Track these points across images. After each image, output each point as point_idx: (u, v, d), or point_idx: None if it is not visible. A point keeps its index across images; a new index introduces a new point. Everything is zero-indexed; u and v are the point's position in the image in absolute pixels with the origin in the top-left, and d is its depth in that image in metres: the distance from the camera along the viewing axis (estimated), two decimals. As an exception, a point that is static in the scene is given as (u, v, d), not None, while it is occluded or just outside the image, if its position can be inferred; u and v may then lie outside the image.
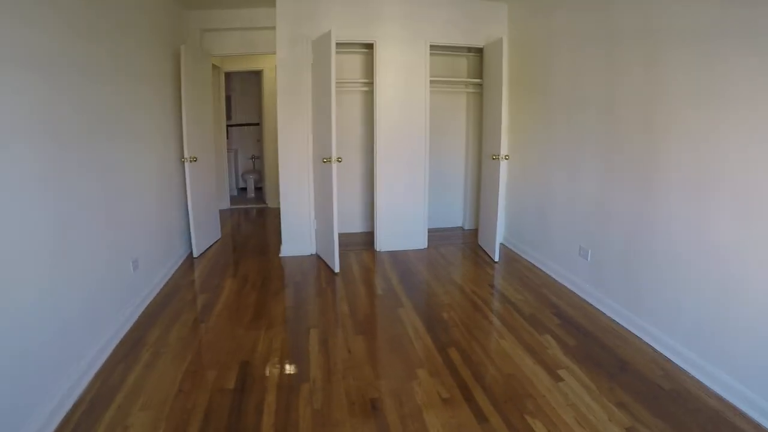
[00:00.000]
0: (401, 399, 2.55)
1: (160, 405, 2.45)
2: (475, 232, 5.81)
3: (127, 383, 2.65)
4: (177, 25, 4.95)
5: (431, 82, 5.27)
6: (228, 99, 8.60)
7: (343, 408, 2.47)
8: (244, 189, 8.96)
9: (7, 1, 2.14)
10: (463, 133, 5.98)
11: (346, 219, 5.91)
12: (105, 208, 3.14)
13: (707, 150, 2.62)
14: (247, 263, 4.90)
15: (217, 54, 5.64)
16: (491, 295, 3.97)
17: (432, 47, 5.07)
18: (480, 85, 5.43)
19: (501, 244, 5.42)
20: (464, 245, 5.45)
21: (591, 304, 3.71)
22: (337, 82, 5.28)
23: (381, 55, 4.91)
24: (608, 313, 3.51)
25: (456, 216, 6.22)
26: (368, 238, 5.63)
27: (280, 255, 5.12)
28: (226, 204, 7.80)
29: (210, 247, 5.48)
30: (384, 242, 5.27)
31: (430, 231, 5.62)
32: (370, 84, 5.16)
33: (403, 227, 5.26)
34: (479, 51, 5.34)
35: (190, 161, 4.85)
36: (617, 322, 3.40)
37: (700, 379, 2.68)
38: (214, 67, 6.91)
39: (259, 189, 8.87)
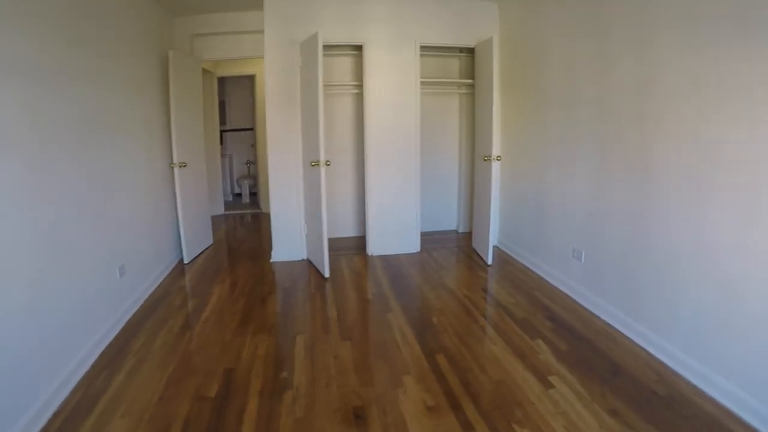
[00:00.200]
0: (385, 407, 2.47)
1: (140, 413, 2.40)
2: (469, 235, 5.73)
3: (110, 390, 2.61)
4: (166, 30, 4.91)
5: (423, 83, 5.22)
6: (222, 104, 8.58)
7: (326, 416, 2.40)
8: (239, 194, 8.88)
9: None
10: (456, 135, 5.90)
11: (339, 223, 5.85)
12: (90, 214, 3.12)
13: (701, 145, 2.53)
14: (238, 269, 4.84)
15: (207, 59, 5.58)
16: (483, 299, 3.88)
17: (423, 48, 5.02)
18: (472, 85, 5.35)
19: (495, 246, 5.33)
20: (458, 248, 5.37)
21: (585, 307, 3.62)
22: (327, 85, 5.27)
23: (370, 57, 4.85)
24: (602, 316, 3.42)
25: (450, 219, 6.14)
26: (361, 242, 5.55)
27: (271, 260, 5.06)
28: (220, 209, 7.75)
29: (201, 253, 5.42)
30: (376, 246, 5.18)
31: (423, 234, 5.55)
32: (362, 86, 5.09)
33: (395, 231, 5.19)
34: (471, 51, 5.27)
35: (180, 167, 4.80)
36: (611, 326, 3.30)
37: (696, 384, 2.59)
38: (207, 72, 6.87)
39: (254, 194, 8.81)
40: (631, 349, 3.00)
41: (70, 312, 2.78)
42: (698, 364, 2.59)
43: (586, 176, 3.61)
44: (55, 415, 2.39)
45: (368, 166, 5.05)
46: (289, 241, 5.06)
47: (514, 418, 2.34)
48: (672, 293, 2.78)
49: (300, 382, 2.70)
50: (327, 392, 2.61)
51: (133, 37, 4.06)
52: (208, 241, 5.74)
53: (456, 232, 6.09)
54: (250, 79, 7.78)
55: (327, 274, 4.45)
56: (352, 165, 5.72)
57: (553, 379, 2.67)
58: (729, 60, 2.33)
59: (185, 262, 4.99)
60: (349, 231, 5.92)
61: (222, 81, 8.12)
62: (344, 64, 5.48)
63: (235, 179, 9.08)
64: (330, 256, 4.95)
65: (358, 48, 5.01)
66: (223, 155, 8.67)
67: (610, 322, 3.33)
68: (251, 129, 8.69)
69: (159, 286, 4.30)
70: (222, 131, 8.67)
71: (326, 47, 4.97)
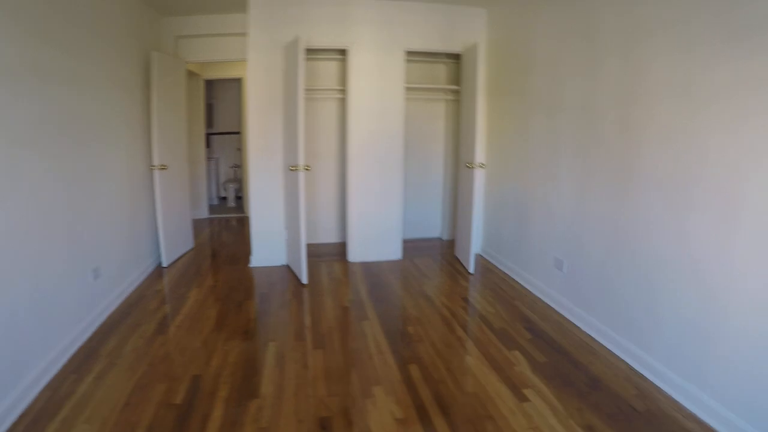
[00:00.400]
0: (352, 419, 2.39)
1: (104, 418, 2.35)
2: (453, 243, 5.65)
3: (76, 395, 2.55)
4: (151, 31, 4.82)
5: (409, 89, 5.16)
6: (210, 107, 8.48)
7: (290, 427, 2.32)
8: (225, 198, 8.77)
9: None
10: (442, 142, 5.83)
11: (321, 229, 5.77)
12: (63, 215, 3.07)
13: (684, 152, 2.46)
14: (216, 273, 4.74)
15: (192, 60, 5.48)
16: (462, 308, 3.79)
17: (409, 54, 4.96)
18: (459, 92, 5.29)
19: (479, 254, 5.26)
20: (440, 256, 5.28)
21: (566, 318, 3.54)
22: (312, 89, 5.21)
23: (354, 62, 4.78)
24: (583, 328, 3.34)
25: (434, 226, 6.05)
26: (342, 248, 5.45)
27: (250, 265, 4.96)
28: (204, 213, 7.63)
29: (181, 256, 5.31)
30: (357, 253, 5.09)
31: (407, 241, 5.48)
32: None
33: (376, 237, 5.10)
34: (458, 57, 5.21)
35: (160, 169, 4.72)
36: (592, 337, 3.22)
37: (677, 399, 2.51)
38: (193, 74, 6.78)
39: (239, 198, 8.70)
40: (611, 361, 2.92)
41: (39, 314, 2.72)
42: (680, 379, 2.51)
43: (568, 184, 3.54)
44: (21, 417, 2.34)
45: (350, 172, 4.97)
46: (269, 246, 4.96)
47: (484, 433, 2.25)
48: (653, 305, 2.70)
49: (267, 391, 2.62)
50: (294, 402, 2.52)
51: (117, 36, 3.99)
52: (189, 244, 5.63)
53: (440, 239, 6.01)
54: (238, 82, 7.69)
55: (305, 281, 4.35)
56: (336, 171, 5.64)
57: (528, 392, 2.58)
58: (715, 63, 2.26)
59: (164, 265, 4.89)
60: (331, 237, 5.82)
61: (210, 84, 8.02)
62: (330, 68, 5.40)
63: (221, 183, 8.97)
64: (310, 261, 4.90)
65: (344, 52, 4.94)
66: (209, 158, 8.56)
67: (591, 333, 3.25)
68: (238, 133, 8.60)
69: (136, 289, 4.22)
70: (209, 134, 8.57)
71: (312, 51, 4.93)
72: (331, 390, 2.64)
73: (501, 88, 4.74)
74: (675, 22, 2.50)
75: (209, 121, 8.50)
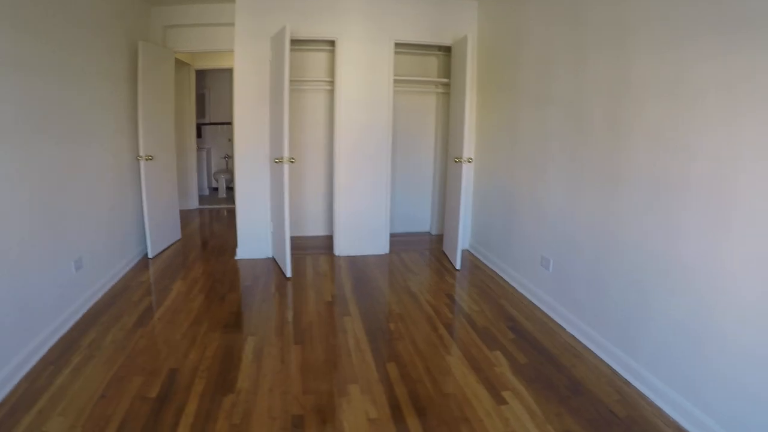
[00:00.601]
0: (325, 417, 2.34)
1: (79, 410, 2.32)
2: (441, 238, 5.57)
3: (54, 386, 2.53)
4: (138, 20, 4.73)
5: (399, 81, 5.09)
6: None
7: (263, 424, 2.27)
8: (217, 189, 8.69)
9: None
10: (432, 135, 5.76)
11: (309, 222, 5.72)
12: (44, 206, 3.04)
13: (674, 148, 2.37)
14: (201, 265, 4.69)
15: (181, 50, 5.40)
16: (446, 305, 3.73)
17: (399, 45, 4.88)
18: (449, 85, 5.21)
19: (467, 250, 5.20)
20: (428, 251, 5.21)
21: (551, 318, 3.48)
22: (301, 81, 5.14)
23: (343, 53, 4.71)
24: (568, 329, 3.28)
25: (424, 221, 5.98)
26: (329, 241, 5.37)
27: (236, 257, 4.90)
28: (194, 204, 7.57)
29: (168, 247, 5.26)
30: (343, 247, 5.03)
31: (395, 236, 5.42)
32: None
33: (363, 231, 5.03)
34: (449, 50, 5.11)
35: (146, 160, 4.65)
36: (577, 339, 3.16)
37: (660, 405, 2.44)
38: (184, 64, 6.71)
39: (231, 189, 8.61)
40: (595, 365, 2.85)
41: (19, 305, 2.71)
42: (663, 385, 2.44)
43: (556, 181, 3.48)
44: None
45: (337, 165, 4.91)
46: (255, 239, 4.90)
47: (458, 436, 2.19)
48: (639, 307, 2.63)
49: (243, 387, 2.58)
50: (269, 398, 2.48)
51: (102, 25, 3.93)
52: (176, 235, 5.57)
53: (429, 234, 5.94)
54: (231, 72, 7.57)
55: (289, 274, 4.29)
56: (324, 163, 5.56)
57: (506, 394, 2.52)
58: (703, 58, 2.18)
59: (150, 256, 4.84)
60: (319, 230, 5.76)
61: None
62: (319, 59, 5.32)
63: (212, 173, 8.88)
64: (296, 255, 4.84)
65: (333, 43, 4.85)
66: (201, 149, 8.48)
67: (576, 335, 3.19)
68: (231, 123, 8.50)
69: (120, 280, 4.17)
70: (201, 125, 8.48)
71: (300, 42, 4.85)
72: (306, 387, 2.58)
73: (491, 82, 4.67)
74: (662, 16, 2.42)
75: (201, 111, 8.41)
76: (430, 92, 5.61)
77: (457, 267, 4.56)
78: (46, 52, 3.09)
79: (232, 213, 7.27)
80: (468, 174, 4.96)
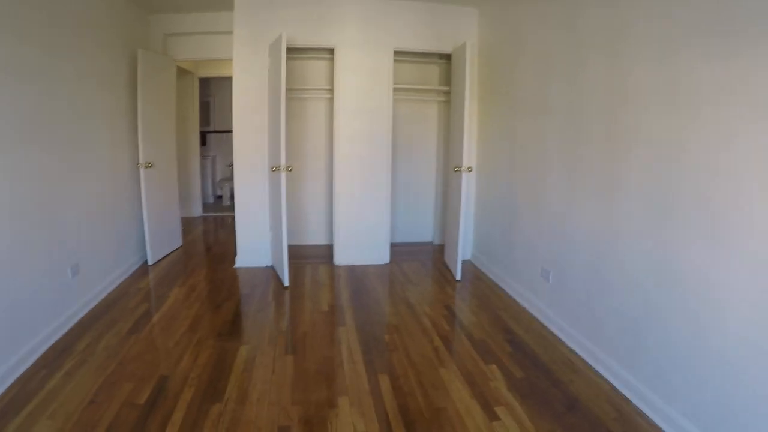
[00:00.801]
0: (312, 429, 2.29)
1: (68, 415, 2.34)
2: (444, 248, 5.50)
3: (44, 391, 2.55)
4: (137, 29, 4.76)
5: (400, 90, 5.07)
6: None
7: None
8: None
9: None
10: (434, 144, 5.69)
11: (309, 230, 5.69)
12: (40, 212, 3.09)
13: (673, 159, 2.29)
14: (200, 273, 4.67)
15: (181, 59, 5.42)
16: (443, 317, 3.65)
17: (399, 53, 4.85)
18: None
19: (468, 261, 5.12)
20: (429, 262, 5.14)
21: (551, 331, 3.39)
22: (301, 89, 5.15)
23: (341, 61, 4.68)
24: (568, 342, 3.20)
25: (426, 230, 5.91)
26: (329, 251, 5.32)
27: (235, 266, 4.87)
28: (198, 211, 7.57)
29: (168, 254, 5.26)
30: (343, 256, 4.98)
31: (396, 245, 5.36)
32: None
33: (363, 241, 4.98)
34: (450, 58, 5.07)
35: (146, 167, 4.66)
36: (576, 353, 3.07)
37: (658, 424, 2.34)
38: (187, 72, 6.74)
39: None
40: (593, 380, 2.76)
41: (13, 309, 2.75)
42: (663, 403, 2.34)
43: (554, 191, 3.41)
44: None
45: (336, 173, 4.87)
46: (254, 247, 4.87)
47: (447, 453, 2.12)
48: (639, 322, 2.54)
49: (231, 396, 2.55)
50: (256, 408, 2.44)
51: (102, 34, 3.98)
52: (177, 243, 5.56)
53: (431, 244, 5.87)
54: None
55: (287, 283, 4.25)
56: (326, 171, 5.52)
57: (500, 410, 2.44)
58: (702, 63, 2.10)
59: (149, 263, 4.85)
60: (319, 239, 5.71)
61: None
62: (319, 68, 5.30)
63: (216, 181, 8.89)
64: (295, 264, 4.81)
65: (332, 51, 4.82)
66: (205, 156, 8.50)
67: (575, 349, 3.10)
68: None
69: (118, 287, 4.18)
70: (206, 132, 8.50)
71: (300, 50, 4.85)
72: (295, 398, 2.53)
73: (491, 90, 4.62)
74: (659, 20, 2.35)
75: (206, 119, 8.42)
76: (432, 100, 5.56)
77: (458, 278, 4.48)
78: (44, 60, 3.12)
79: (235, 221, 7.26)
80: (469, 183, 4.89)
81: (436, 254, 5.43)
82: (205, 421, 2.31)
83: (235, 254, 4.93)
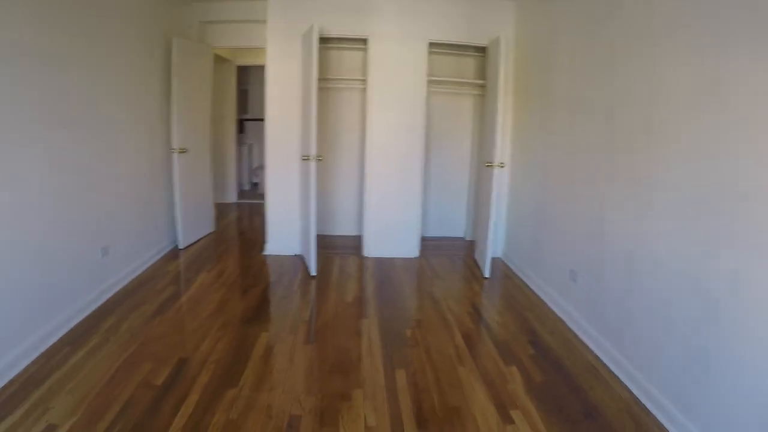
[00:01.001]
0: (322, 420, 2.29)
1: (86, 391, 2.41)
2: (474, 245, 5.43)
3: (66, 366, 2.63)
4: (174, 16, 4.83)
5: (434, 82, 5.00)
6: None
7: (258, 422, 2.25)
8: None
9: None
10: (469, 138, 5.58)
11: (341, 220, 5.70)
12: (76, 194, 3.20)
13: (714, 164, 2.13)
14: (229, 259, 4.74)
15: (217, 46, 5.50)
16: (468, 314, 3.59)
17: (434, 45, 4.77)
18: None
19: (499, 259, 5.02)
20: (459, 257, 5.07)
21: (576, 335, 3.29)
22: (336, 79, 5.14)
23: (375, 52, 4.64)
24: (592, 347, 3.09)
25: (458, 225, 5.82)
26: (360, 242, 5.32)
27: (264, 253, 4.93)
28: (233, 198, 7.69)
29: (199, 239, 5.35)
30: (372, 248, 4.96)
31: (427, 239, 5.33)
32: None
33: (393, 233, 4.95)
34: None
35: (179, 152, 4.74)
36: (599, 359, 2.97)
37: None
38: (225, 60, 6.82)
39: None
40: (614, 388, 2.66)
41: (43, 285, 2.86)
42: (684, 418, 2.23)
43: (587, 190, 3.28)
44: (11, 382, 2.45)
45: (368, 165, 4.85)
46: (284, 235, 4.91)
47: (456, 454, 2.08)
48: (666, 331, 2.42)
49: (247, 382, 2.58)
50: (269, 396, 2.46)
51: (137, 22, 4.06)
52: (209, 228, 5.65)
53: (463, 239, 5.77)
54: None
55: (314, 272, 4.26)
56: (359, 162, 5.49)
57: (515, 414, 2.38)
58: (750, 63, 1.96)
59: (180, 247, 4.94)
60: (350, 229, 5.70)
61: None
62: (354, 58, 5.26)
63: (253, 168, 8.99)
64: (325, 254, 4.84)
65: (366, 42, 4.78)
66: (243, 144, 8.61)
67: (599, 354, 3.00)
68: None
69: (147, 269, 4.27)
70: (243, 120, 8.60)
71: (334, 40, 4.85)
72: (309, 388, 2.54)
73: (527, 86, 4.48)
74: (706, 19, 2.20)
75: (244, 107, 8.52)
76: (467, 94, 5.45)
77: (486, 275, 4.40)
78: (86, 49, 3.24)
79: (269, 208, 7.35)
80: (502, 179, 4.78)
81: (467, 250, 5.34)
82: (218, 406, 2.34)
83: (265, 242, 4.96)
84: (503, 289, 4.19)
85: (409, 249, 4.99)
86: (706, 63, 2.18)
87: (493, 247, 4.58)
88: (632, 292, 2.73)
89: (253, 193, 8.54)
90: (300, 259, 4.76)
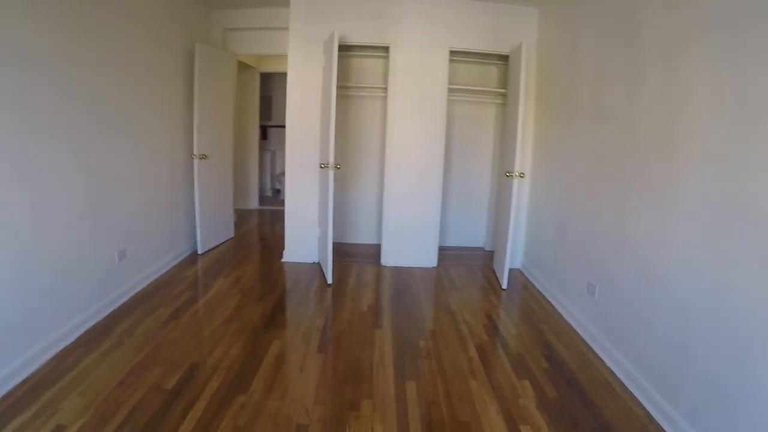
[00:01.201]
0: (329, 430, 2.28)
1: (96, 393, 2.45)
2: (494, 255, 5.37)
3: (78, 368, 2.67)
4: (198, 23, 4.94)
5: (456, 91, 4.98)
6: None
7: (266, 429, 2.26)
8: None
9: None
10: (491, 148, 5.54)
11: (360, 229, 5.71)
12: (96, 196, 3.28)
13: (736, 179, 2.07)
14: (247, 265, 4.77)
15: (240, 53, 5.58)
16: (483, 326, 3.55)
17: (456, 53, 4.76)
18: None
19: (518, 270, 4.96)
20: (477, 268, 5.02)
21: (592, 349, 3.22)
22: (357, 87, 5.15)
23: (396, 60, 4.64)
24: (608, 363, 3.02)
25: (478, 236, 5.78)
26: (378, 250, 5.31)
27: (282, 260, 4.95)
28: (254, 204, 7.75)
29: (218, 245, 5.41)
30: (390, 257, 4.95)
31: (446, 249, 5.30)
32: (389, 90, 4.89)
33: (412, 243, 4.93)
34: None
35: (200, 158, 4.79)
36: (615, 375, 2.90)
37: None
38: (249, 67, 6.91)
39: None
40: (629, 406, 2.58)
41: (59, 287, 2.91)
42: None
43: (607, 202, 3.22)
44: (24, 381, 2.51)
45: (388, 173, 4.84)
46: (303, 243, 4.93)
47: (463, 469, 2.05)
48: (685, 349, 2.35)
49: (257, 389, 2.59)
50: (278, 404, 2.46)
51: (161, 28, 4.14)
52: (229, 234, 5.71)
53: (482, 249, 5.73)
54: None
55: (330, 281, 4.27)
56: (379, 170, 5.49)
57: (525, 429, 2.34)
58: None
59: (199, 253, 5.00)
60: (369, 238, 5.70)
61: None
62: (376, 66, 5.29)
63: (275, 175, 9.07)
64: (343, 262, 4.84)
65: (387, 50, 4.79)
66: (266, 150, 8.70)
67: (615, 370, 2.93)
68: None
69: (165, 273, 4.33)
70: (266, 126, 8.69)
71: (355, 48, 4.87)
72: (318, 397, 2.54)
73: (549, 95, 4.43)
74: (728, 30, 2.15)
75: (268, 113, 8.60)
76: (489, 103, 5.42)
77: (504, 286, 4.35)
78: (113, 55, 3.34)
79: (289, 215, 7.39)
80: (521, 190, 4.73)
81: (486, 260, 5.29)
82: (227, 412, 2.36)
83: (284, 249, 4.99)
84: (520, 301, 4.14)
85: (428, 258, 4.97)
86: (732, 72, 2.12)
87: (512, 257, 4.53)
88: (649, 307, 2.67)
89: (275, 199, 8.62)
90: (318, 267, 4.78)
